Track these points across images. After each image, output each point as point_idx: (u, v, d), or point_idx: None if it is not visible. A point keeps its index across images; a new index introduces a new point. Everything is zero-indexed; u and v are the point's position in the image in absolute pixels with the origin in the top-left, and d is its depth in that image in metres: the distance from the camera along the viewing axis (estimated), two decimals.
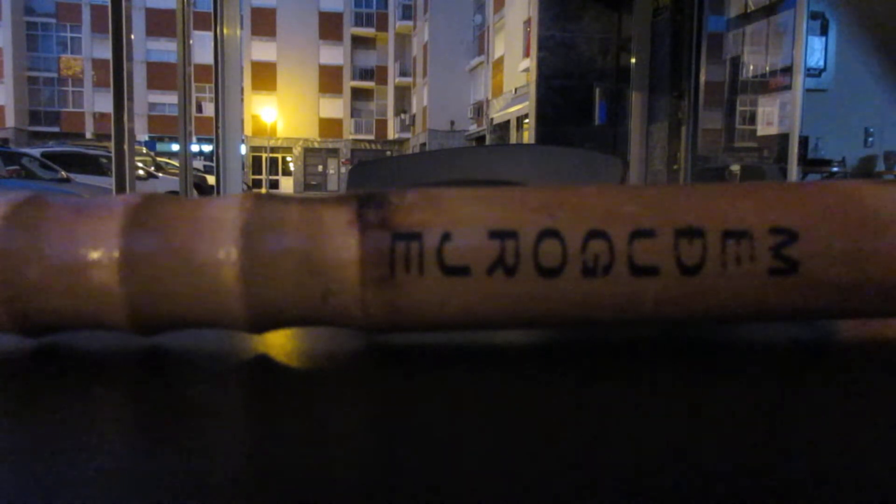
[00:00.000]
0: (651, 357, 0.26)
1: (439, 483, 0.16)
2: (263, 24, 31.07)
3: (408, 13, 31.43)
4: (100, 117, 27.90)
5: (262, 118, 30.92)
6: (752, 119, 5.02)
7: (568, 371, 0.24)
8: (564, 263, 0.25)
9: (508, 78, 18.44)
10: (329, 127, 32.93)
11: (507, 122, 18.19)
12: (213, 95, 3.83)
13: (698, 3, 4.90)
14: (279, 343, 0.28)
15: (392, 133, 33.42)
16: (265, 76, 31.55)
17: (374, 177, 1.09)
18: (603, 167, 1.02)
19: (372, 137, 33.56)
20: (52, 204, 0.26)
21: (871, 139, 5.00)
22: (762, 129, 4.86)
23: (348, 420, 0.20)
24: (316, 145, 32.90)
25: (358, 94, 33.75)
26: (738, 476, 0.16)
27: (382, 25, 33.15)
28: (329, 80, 32.78)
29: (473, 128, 23.92)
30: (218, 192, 3.94)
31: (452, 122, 27.39)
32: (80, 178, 7.18)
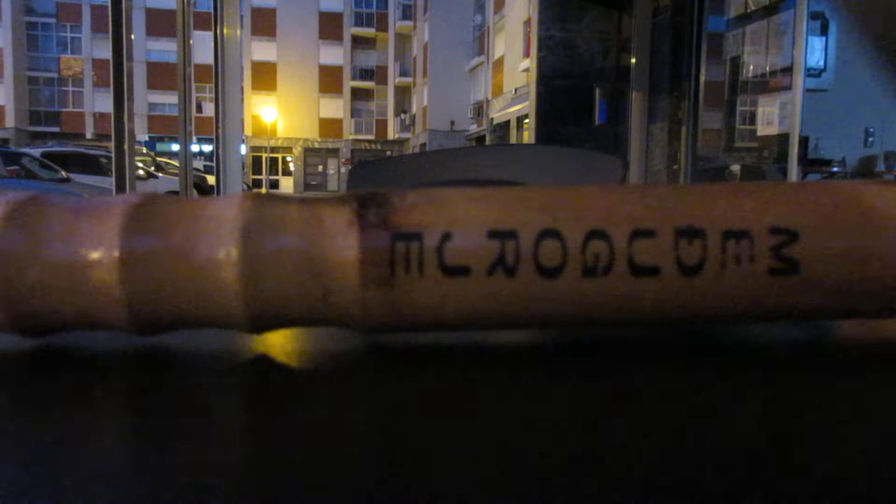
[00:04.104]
0: (651, 357, 0.26)
1: (439, 482, 0.16)
2: (263, 24, 31.06)
3: (408, 13, 31.42)
4: (100, 117, 27.88)
5: (262, 118, 30.90)
6: (752, 119, 5.01)
7: (568, 371, 0.24)
8: (564, 263, 0.25)
9: (508, 78, 18.43)
10: (329, 127, 32.92)
11: (507, 122, 18.19)
12: (213, 95, 3.83)
13: (698, 3, 4.90)
14: (279, 343, 0.28)
15: (392, 133, 33.41)
16: (265, 76, 31.53)
17: (374, 177, 1.09)
18: (603, 167, 1.02)
19: (372, 137, 33.54)
20: (52, 204, 0.26)
21: (871, 139, 5.00)
22: (762, 129, 4.85)
23: (348, 420, 0.20)
24: (316, 145, 32.88)
25: (358, 94, 33.73)
26: (738, 476, 0.16)
27: (382, 25, 33.14)
28: (329, 80, 32.77)
29: (473, 128, 23.91)
30: (218, 192, 3.94)
31: (452, 122, 27.38)
32: (80, 178, 7.17)
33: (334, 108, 33.07)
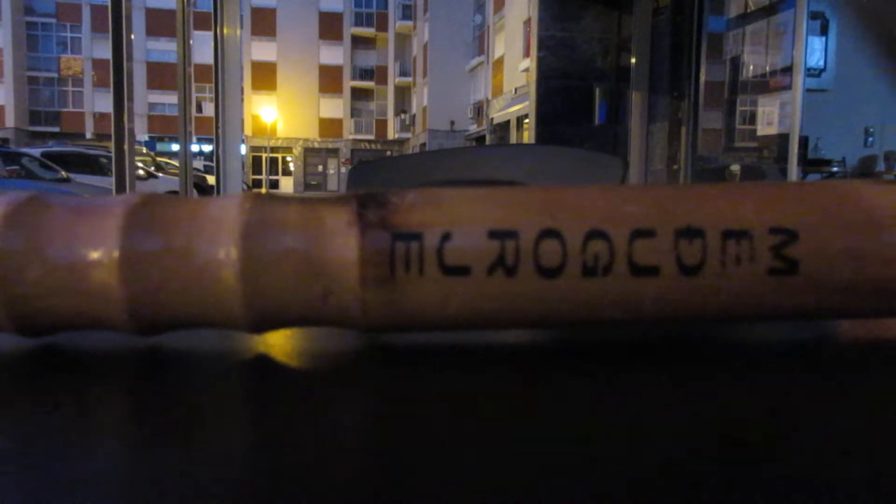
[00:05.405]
0: (651, 357, 0.26)
1: (439, 482, 0.16)
2: (263, 24, 31.05)
3: (408, 13, 31.42)
4: (100, 117, 27.86)
5: (262, 118, 30.89)
6: (752, 119, 5.02)
7: (568, 371, 0.24)
8: (564, 263, 0.25)
9: (508, 78, 18.43)
10: (329, 127, 32.91)
11: (507, 122, 18.19)
12: (213, 95, 3.83)
13: (698, 3, 4.89)
14: (279, 343, 0.28)
15: (392, 133, 33.40)
16: (265, 76, 31.51)
17: (374, 177, 1.08)
18: (603, 167, 1.02)
19: (372, 137, 33.52)
20: (52, 204, 0.26)
21: (871, 139, 5.00)
22: (762, 129, 4.86)
23: (348, 420, 0.20)
24: (316, 145, 32.87)
25: (358, 94, 33.72)
26: (738, 476, 0.16)
27: (382, 25, 33.13)
28: (329, 80, 32.76)
29: (473, 128, 23.90)
30: (218, 192, 3.94)
31: (452, 122, 27.37)
32: (80, 178, 7.16)
33: (334, 108, 33.06)
